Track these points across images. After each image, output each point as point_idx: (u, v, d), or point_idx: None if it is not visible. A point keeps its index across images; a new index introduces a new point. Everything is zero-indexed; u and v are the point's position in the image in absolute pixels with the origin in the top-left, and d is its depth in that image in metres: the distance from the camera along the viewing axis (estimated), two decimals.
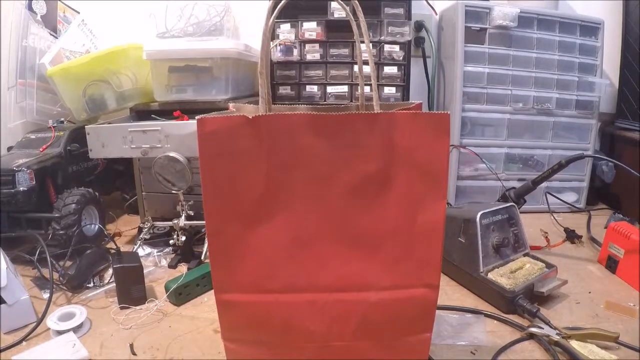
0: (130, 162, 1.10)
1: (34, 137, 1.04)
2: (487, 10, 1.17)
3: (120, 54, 1.07)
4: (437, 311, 0.61)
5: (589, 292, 0.80)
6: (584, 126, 1.28)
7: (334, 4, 1.11)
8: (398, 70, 1.16)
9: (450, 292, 0.81)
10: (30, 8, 1.15)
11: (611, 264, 0.88)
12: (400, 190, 0.47)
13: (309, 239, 0.48)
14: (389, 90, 1.17)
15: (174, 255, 0.95)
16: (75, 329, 0.67)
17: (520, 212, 0.87)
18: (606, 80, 1.28)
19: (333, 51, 1.14)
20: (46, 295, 0.77)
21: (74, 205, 0.92)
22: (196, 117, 0.45)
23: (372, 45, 1.13)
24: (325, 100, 1.17)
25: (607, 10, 1.36)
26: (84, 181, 1.09)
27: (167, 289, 0.77)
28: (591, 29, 1.24)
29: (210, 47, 1.03)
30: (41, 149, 0.99)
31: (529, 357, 0.62)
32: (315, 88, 1.17)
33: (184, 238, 0.91)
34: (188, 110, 1.01)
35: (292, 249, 0.48)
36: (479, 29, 1.19)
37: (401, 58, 1.15)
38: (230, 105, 0.57)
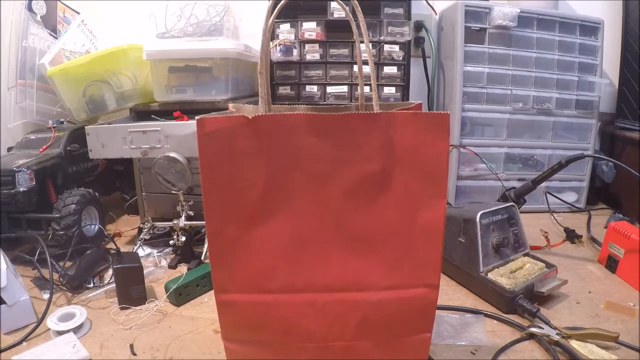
0: (130, 163, 1.10)
1: (33, 137, 1.04)
2: (487, 10, 1.17)
3: (120, 54, 1.07)
4: (437, 311, 0.61)
5: (589, 292, 0.80)
6: (583, 126, 1.28)
7: (333, 4, 1.11)
8: (398, 70, 1.16)
9: (450, 292, 0.81)
10: (30, 8, 1.15)
11: (611, 264, 0.88)
12: (400, 190, 0.47)
13: (308, 239, 0.48)
14: (389, 90, 1.17)
15: (174, 255, 0.95)
16: (75, 330, 0.67)
17: (520, 212, 0.87)
18: (606, 79, 1.27)
19: (333, 51, 1.14)
20: (46, 296, 0.77)
21: (73, 205, 0.92)
22: (196, 118, 0.45)
23: (372, 45, 1.13)
24: (325, 100, 1.17)
25: (607, 10, 1.35)
26: (84, 181, 1.09)
27: (167, 289, 0.77)
28: (591, 28, 1.24)
29: (210, 47, 1.03)
30: (41, 150, 0.99)
31: (529, 357, 0.62)
32: (315, 88, 1.17)
33: (184, 238, 0.91)
34: (188, 110, 1.01)
35: (292, 249, 0.48)
36: (478, 28, 1.19)
37: (401, 58, 1.15)
38: (230, 105, 0.57)
